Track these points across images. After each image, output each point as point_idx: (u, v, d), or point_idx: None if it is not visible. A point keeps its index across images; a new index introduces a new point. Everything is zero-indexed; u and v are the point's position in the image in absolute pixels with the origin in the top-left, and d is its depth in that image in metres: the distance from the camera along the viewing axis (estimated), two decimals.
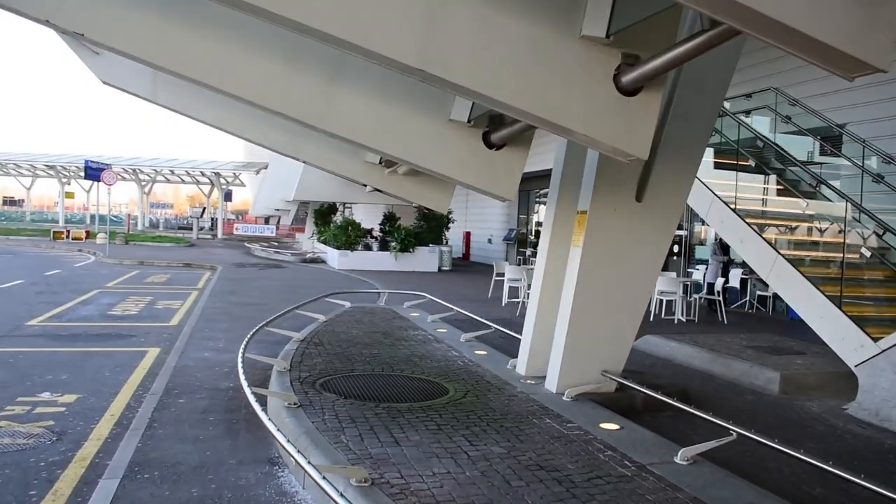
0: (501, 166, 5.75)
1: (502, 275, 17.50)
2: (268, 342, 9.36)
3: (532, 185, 32.36)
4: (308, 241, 33.67)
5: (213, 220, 63.49)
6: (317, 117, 5.22)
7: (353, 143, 5.77)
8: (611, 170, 6.71)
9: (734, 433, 5.18)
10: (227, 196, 55.44)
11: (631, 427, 5.78)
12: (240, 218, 74.49)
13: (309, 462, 3.86)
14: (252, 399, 5.03)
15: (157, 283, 19.46)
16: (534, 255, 27.72)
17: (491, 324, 9.97)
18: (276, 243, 42.61)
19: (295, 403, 5.76)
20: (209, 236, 50.87)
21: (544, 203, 31.00)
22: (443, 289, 18.92)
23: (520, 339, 9.27)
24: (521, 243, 31.58)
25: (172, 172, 59.01)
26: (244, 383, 5.61)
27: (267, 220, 66.43)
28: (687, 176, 7.18)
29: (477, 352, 8.78)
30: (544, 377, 7.23)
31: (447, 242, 29.47)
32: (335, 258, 25.84)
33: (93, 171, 31.94)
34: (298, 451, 3.97)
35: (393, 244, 25.73)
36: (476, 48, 4.11)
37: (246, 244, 38.97)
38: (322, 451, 4.74)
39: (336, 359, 7.94)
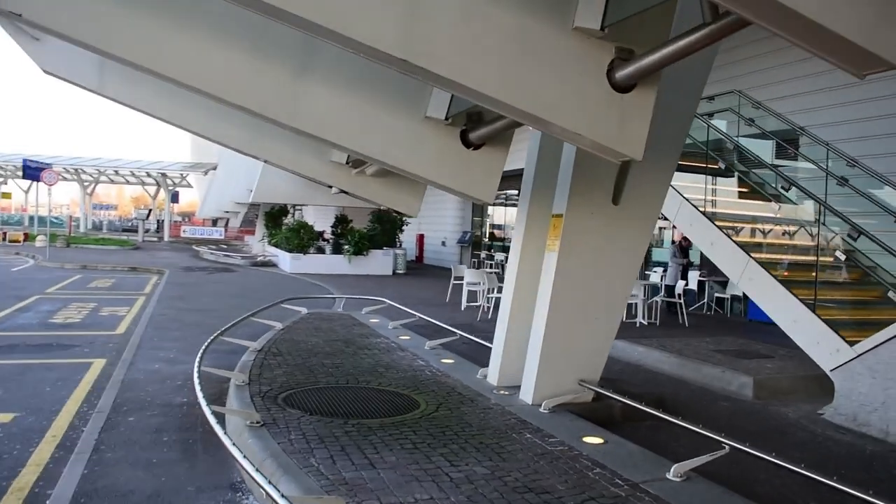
0: (480, 167, 5.41)
1: (461, 278, 17.19)
2: (222, 352, 8.85)
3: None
4: (258, 244, 32.91)
5: (160, 223, 61.81)
6: (283, 113, 4.79)
7: (321, 142, 5.35)
8: (587, 171, 6.45)
9: (727, 446, 4.92)
10: (174, 197, 54.06)
11: (616, 441, 5.50)
12: (187, 220, 72.82)
13: (280, 493, 3.46)
14: (212, 419, 4.59)
15: (102, 288, 18.65)
16: (489, 257, 27.54)
17: (455, 330, 9.63)
18: (224, 246, 41.58)
19: (258, 422, 5.33)
20: (155, 239, 49.49)
21: (501, 205, 30.86)
22: (400, 293, 18.52)
23: (486, 347, 9.01)
24: (476, 246, 31.34)
25: (117, 173, 57.23)
26: (202, 400, 5.16)
27: (215, 223, 64.97)
28: (664, 177, 6.95)
29: (444, 360, 8.43)
30: (518, 387, 6.92)
31: (401, 245, 29.08)
32: (287, 262, 25.21)
33: (31, 171, 30.66)
34: (268, 482, 3.56)
35: (346, 247, 25.22)
36: (463, 39, 3.77)
37: (194, 247, 37.92)
38: (292, 478, 4.33)
39: (297, 370, 7.51)
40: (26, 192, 60.41)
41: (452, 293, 17.65)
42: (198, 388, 5.57)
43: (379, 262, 25.62)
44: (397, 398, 6.57)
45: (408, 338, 10.01)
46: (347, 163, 7.55)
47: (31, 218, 52.55)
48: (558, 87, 4.07)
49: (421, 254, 34.54)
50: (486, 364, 8.23)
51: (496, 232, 31.29)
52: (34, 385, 7.86)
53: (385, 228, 26.62)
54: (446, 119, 5.12)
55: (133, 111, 7.03)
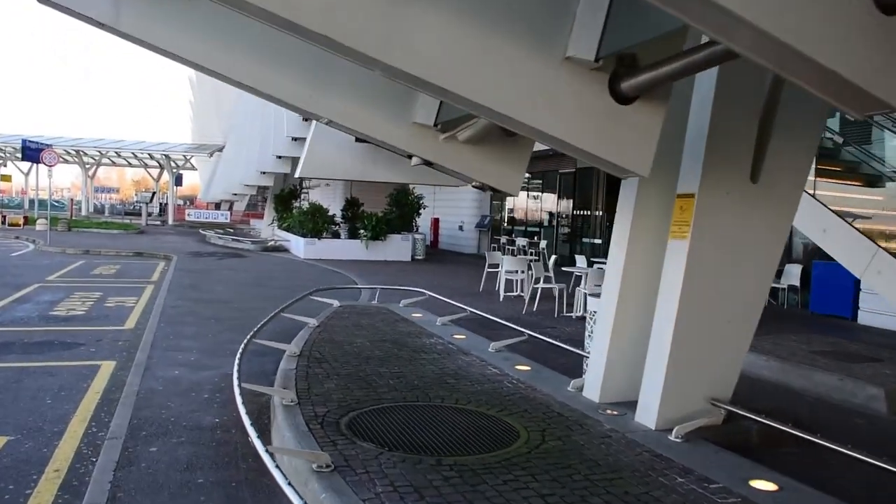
0: (633, 126, 4.05)
1: (496, 266, 15.89)
2: (250, 352, 7.53)
3: None
4: (268, 228, 31.53)
5: (163, 206, 60.49)
6: (373, 45, 3.43)
7: (418, 88, 3.96)
8: (721, 142, 5.10)
9: None
10: (178, 180, 52.64)
11: (793, 487, 4.19)
12: (190, 203, 71.48)
13: None
14: (280, 477, 3.26)
15: (106, 275, 17.33)
16: (510, 242, 26.20)
17: (523, 329, 8.28)
18: (231, 230, 40.25)
19: (327, 466, 4.01)
20: (159, 222, 48.13)
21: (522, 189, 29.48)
22: (427, 281, 17.20)
23: (558, 349, 7.73)
24: (496, 230, 29.97)
25: (118, 155, 55.82)
26: (257, 442, 3.83)
27: (218, 206, 63.65)
28: (807, 150, 5.59)
29: (518, 367, 7.11)
30: (626, 405, 5.63)
31: (418, 230, 27.76)
32: (300, 246, 23.85)
33: (31, 152, 29.42)
34: None
35: (363, 232, 23.86)
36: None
37: (200, 231, 36.58)
38: None
39: (352, 382, 6.18)
40: (26, 174, 59.04)
41: (486, 281, 16.31)
42: (246, 420, 4.24)
43: (397, 247, 24.28)
44: (487, 422, 5.24)
45: (463, 337, 8.69)
46: (435, 125, 6.09)
47: (32, 201, 51.21)
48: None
49: (436, 238, 33.15)
50: (567, 371, 6.98)
51: (516, 216, 29.92)
52: (32, 396, 6.57)
53: (403, 212, 25.22)
54: (596, 60, 3.75)
55: (150, 53, 5.55)
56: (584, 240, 24.11)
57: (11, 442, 5.34)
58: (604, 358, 5.94)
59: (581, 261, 15.52)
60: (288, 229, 27.02)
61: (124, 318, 11.19)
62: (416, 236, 25.45)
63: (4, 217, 37.68)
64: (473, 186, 6.89)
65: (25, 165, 52.74)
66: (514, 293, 14.79)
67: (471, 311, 9.75)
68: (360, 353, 7.37)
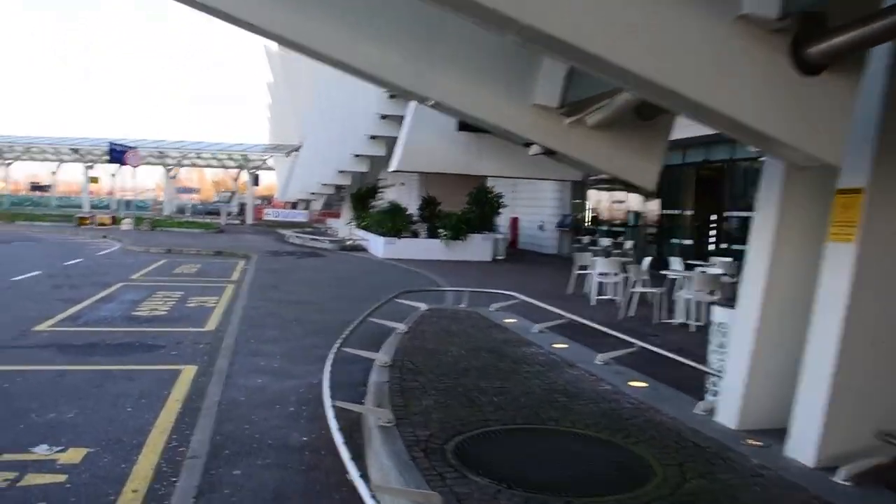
0: (821, 103, 3.29)
1: (585, 267, 15.09)
2: (335, 360, 7.01)
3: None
4: (345, 228, 31.34)
5: (241, 206, 61.45)
6: (509, 1, 2.82)
7: (565, 53, 3.28)
8: (893, 126, 4.26)
9: None
10: (256, 180, 53.34)
11: None
12: (267, 203, 72.51)
13: None
14: None
15: (188, 274, 17.26)
16: (592, 242, 25.25)
17: (634, 341, 7.50)
18: (309, 229, 40.39)
19: None
20: (238, 222, 48.85)
21: (598, 187, 28.45)
22: (509, 282, 16.51)
23: (671, 361, 6.94)
24: (577, 230, 28.99)
25: (199, 156, 56.98)
26: (359, 482, 3.23)
27: (295, 206, 64.26)
28: None
29: (633, 384, 6.37)
30: (768, 432, 4.86)
31: (498, 229, 27.08)
32: (379, 246, 23.46)
33: (117, 154, 30.08)
34: None
35: (443, 231, 23.31)
36: None
37: (278, 230, 36.79)
38: None
39: (452, 399, 5.56)
40: (114, 176, 60.67)
41: (576, 284, 15.51)
42: (344, 454, 3.65)
43: (477, 247, 23.62)
44: (613, 452, 4.54)
45: (565, 346, 7.98)
46: (560, 107, 5.36)
47: (118, 202, 52.67)
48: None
49: (515, 238, 32.34)
50: (684, 387, 6.24)
51: (599, 215, 28.90)
52: (113, 402, 6.22)
53: (483, 211, 24.54)
54: (779, 19, 3.00)
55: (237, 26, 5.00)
56: (673, 240, 23.00)
57: (90, 455, 4.97)
58: (742, 378, 5.15)
59: (676, 263, 14.55)
60: (366, 228, 26.71)
61: (205, 319, 10.89)
62: (497, 236, 24.78)
63: (93, 217, 38.73)
64: (592, 180, 6.09)
65: (113, 168, 54.22)
66: (606, 297, 13.98)
67: (569, 318, 9.02)
68: (456, 364, 6.75)
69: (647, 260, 14.51)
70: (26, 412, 5.88)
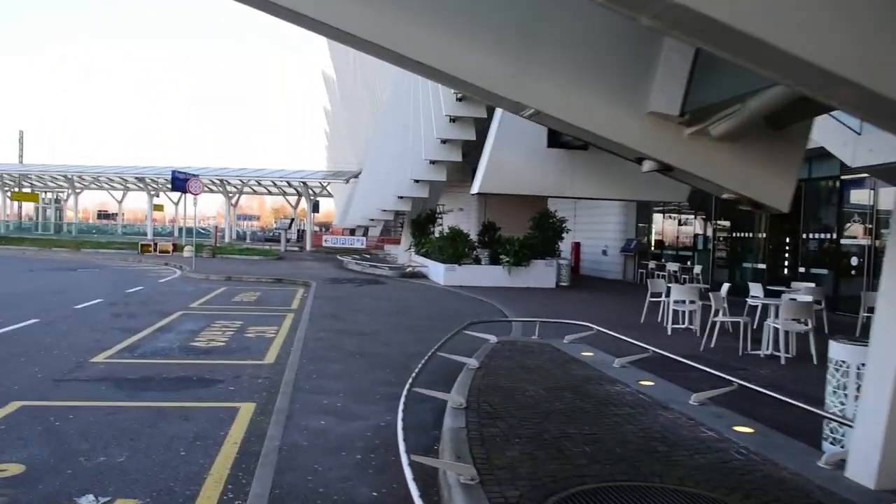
0: None
1: (658, 294, 14.28)
2: (399, 397, 6.44)
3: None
4: (405, 254, 30.96)
5: (300, 232, 61.89)
6: None
7: (724, 39, 2.66)
8: None
9: None
10: (315, 207, 53.61)
11: None
12: (324, 230, 72.99)
13: None
14: None
15: (247, 302, 16.99)
16: (659, 268, 24.29)
17: (732, 378, 6.74)
18: (368, 256, 40.17)
19: None
20: (297, 248, 49.02)
21: (665, 212, 27.50)
22: (577, 311, 15.79)
23: (767, 397, 6.19)
24: (642, 254, 28.05)
25: (259, 183, 57.68)
26: None
27: (353, 232, 64.47)
28: None
29: (738, 428, 5.63)
30: None
31: (561, 254, 26.34)
32: (440, 273, 22.94)
33: (179, 182, 30.27)
34: None
35: (505, 257, 22.67)
36: None
37: (338, 257, 36.61)
38: None
39: (539, 449, 4.92)
40: (177, 203, 61.95)
41: (648, 312, 14.70)
42: None
43: (540, 273, 22.91)
44: None
45: (651, 383, 7.27)
46: (681, 115, 4.63)
47: (181, 229, 53.52)
48: None
49: (577, 263, 31.47)
50: (793, 432, 5.52)
51: (665, 239, 27.89)
52: (166, 446, 5.76)
53: (546, 236, 23.84)
54: None
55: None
56: (745, 264, 21.94)
57: None
58: (881, 428, 4.39)
59: (756, 289, 13.63)
60: (426, 255, 26.25)
61: (264, 350, 10.48)
62: (561, 261, 24.03)
63: (156, 244, 39.26)
64: (725, 199, 5.25)
65: (176, 195, 55.24)
66: (682, 325, 13.16)
67: (653, 351, 8.30)
68: (537, 406, 6.10)
69: (726, 286, 13.65)
70: (75, 455, 5.47)
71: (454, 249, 22.74)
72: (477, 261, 23.44)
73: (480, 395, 6.35)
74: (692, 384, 7.24)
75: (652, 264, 26.01)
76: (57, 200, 61.21)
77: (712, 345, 11.25)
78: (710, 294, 11.61)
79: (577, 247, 31.44)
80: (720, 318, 11.39)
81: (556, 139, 16.16)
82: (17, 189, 58.82)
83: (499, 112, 16.17)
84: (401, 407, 5.34)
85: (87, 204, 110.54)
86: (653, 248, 28.26)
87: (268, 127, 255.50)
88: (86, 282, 21.80)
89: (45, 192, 62.57)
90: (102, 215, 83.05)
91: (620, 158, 5.56)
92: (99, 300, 16.41)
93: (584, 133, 4.83)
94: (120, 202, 66.71)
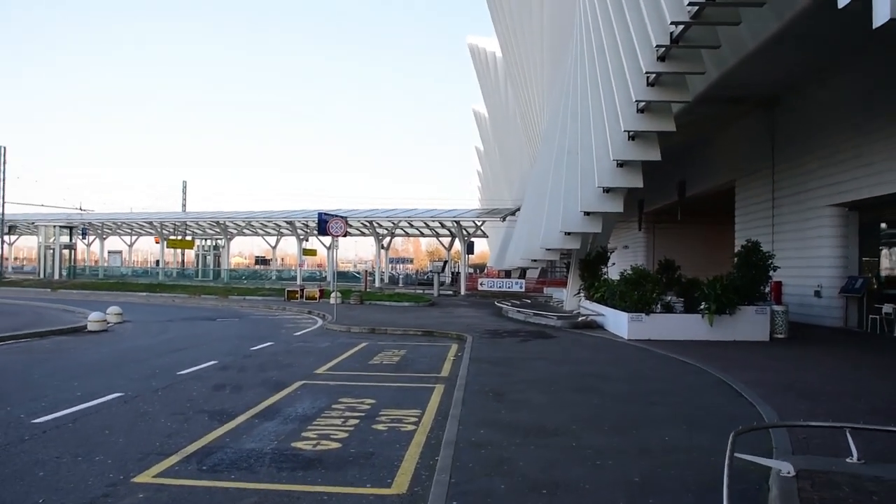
0: None
1: None
2: None
3: (884, 211, 23.06)
4: (573, 299, 26.65)
5: (455, 275, 58.98)
6: None
7: None
8: None
9: None
10: (470, 248, 50.42)
11: None
12: (478, 272, 69.80)
13: None
14: None
15: (386, 366, 13.47)
16: None
17: None
18: (527, 300, 36.18)
19: None
20: (451, 292, 45.88)
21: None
22: (846, 379, 11.12)
23: None
24: (871, 295, 22.21)
25: (411, 224, 55.40)
26: None
27: (508, 274, 60.82)
28: None
29: None
30: None
31: (769, 298, 21.23)
32: (622, 324, 18.47)
33: (324, 224, 27.91)
34: None
35: (703, 304, 17.96)
36: None
37: (495, 303, 32.86)
38: None
39: None
40: (328, 248, 60.85)
41: None
42: None
43: (749, 322, 17.98)
44: None
45: None
46: None
47: (333, 273, 52.07)
48: None
49: None
50: None
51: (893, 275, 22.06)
52: None
53: (752, 275, 18.89)
54: None
55: None
56: None
57: None
58: None
59: None
60: (601, 301, 21.87)
61: (395, 460, 6.78)
62: (776, 307, 18.99)
63: (303, 290, 37.24)
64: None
65: (327, 239, 53.90)
66: None
67: None
68: None
69: None
70: None
71: (640, 294, 18.27)
72: (668, 308, 18.85)
73: None
74: None
75: (889, 307, 20.39)
76: (216, 247, 61.74)
77: None
78: None
79: (777, 287, 25.80)
80: None
81: None
82: (178, 236, 59.85)
83: None
84: None
85: (253, 249, 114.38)
86: (877, 287, 22.48)
87: (420, 172, 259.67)
88: (214, 336, 19.22)
89: (205, 239, 63.43)
90: (260, 261, 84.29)
91: None
92: (212, 363, 13.50)
93: None
94: (274, 247, 66.73)
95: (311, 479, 6.21)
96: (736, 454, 5.24)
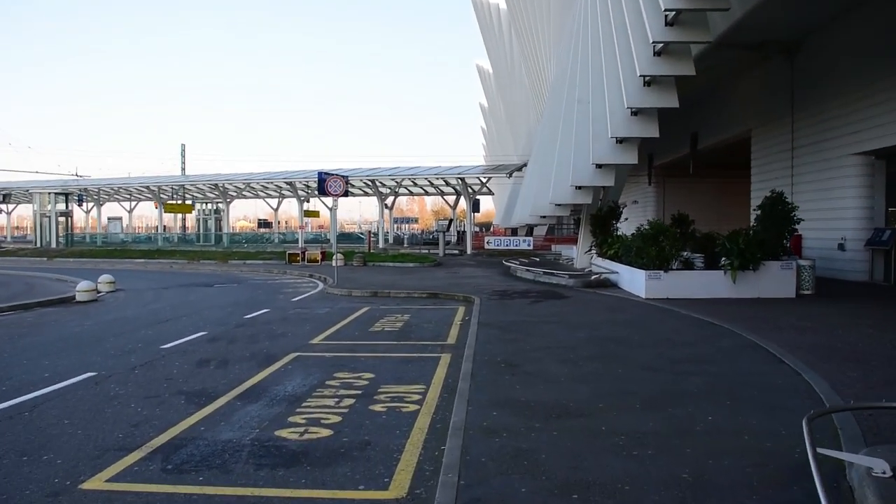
0: None
1: None
2: None
3: None
4: (584, 257, 25.55)
5: (460, 234, 57.83)
6: None
7: None
8: None
9: None
10: (475, 206, 49.17)
11: None
12: (485, 230, 68.67)
13: None
14: None
15: (388, 334, 12.43)
16: None
17: None
18: (536, 259, 35.08)
19: None
20: (456, 252, 44.78)
21: None
22: (885, 349, 10.07)
23: None
24: None
25: (414, 183, 54.13)
26: None
27: (514, 232, 59.64)
28: None
29: None
30: None
31: (790, 252, 20.04)
32: (639, 282, 17.35)
33: (323, 183, 26.75)
34: None
35: (726, 260, 16.83)
36: None
37: (503, 262, 31.78)
38: None
39: None
40: (331, 208, 59.74)
41: None
42: None
43: (774, 279, 16.86)
44: None
45: None
46: None
47: (338, 235, 51.05)
48: None
49: None
50: None
51: None
52: None
53: (777, 228, 17.67)
54: None
55: None
56: None
57: None
58: None
59: None
60: (614, 258, 20.77)
61: (394, 456, 5.74)
62: (802, 262, 17.86)
63: (304, 253, 36.24)
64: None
65: (330, 200, 52.78)
66: None
67: None
68: None
69: None
70: None
71: (658, 251, 17.13)
72: (688, 265, 17.73)
73: None
74: None
75: None
76: (216, 211, 60.53)
77: None
78: None
79: (797, 240, 24.55)
80: None
81: None
82: (177, 201, 58.70)
83: None
84: None
85: (257, 213, 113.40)
86: None
87: (424, 129, 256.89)
88: (208, 303, 18.20)
89: (205, 203, 62.22)
90: (262, 224, 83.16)
91: None
92: (200, 334, 12.51)
93: None
94: (276, 210, 65.53)
95: (294, 481, 5.19)
96: (818, 449, 4.16)
